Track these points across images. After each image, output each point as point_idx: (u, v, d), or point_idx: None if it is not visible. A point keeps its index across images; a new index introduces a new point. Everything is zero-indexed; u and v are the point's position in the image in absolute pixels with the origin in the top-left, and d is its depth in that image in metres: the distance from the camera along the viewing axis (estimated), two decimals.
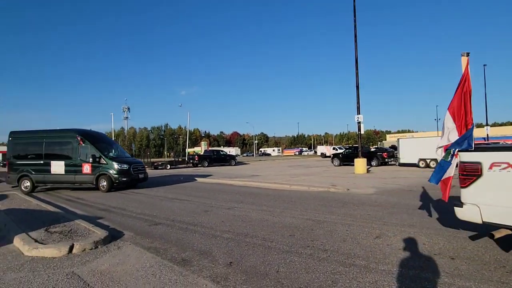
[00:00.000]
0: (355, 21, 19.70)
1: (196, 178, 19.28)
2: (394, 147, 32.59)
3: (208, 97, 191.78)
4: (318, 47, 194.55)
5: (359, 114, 19.58)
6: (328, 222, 6.89)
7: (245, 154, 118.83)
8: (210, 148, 67.30)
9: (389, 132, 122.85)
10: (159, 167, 32.87)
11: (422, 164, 22.73)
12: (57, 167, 14.22)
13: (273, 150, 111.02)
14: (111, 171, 13.70)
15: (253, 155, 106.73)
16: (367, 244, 5.25)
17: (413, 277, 3.86)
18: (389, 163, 26.31)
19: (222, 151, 43.98)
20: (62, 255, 5.13)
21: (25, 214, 8.31)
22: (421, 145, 23.12)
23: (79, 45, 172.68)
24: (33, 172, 14.55)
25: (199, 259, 4.79)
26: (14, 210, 8.94)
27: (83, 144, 14.02)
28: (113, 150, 15.32)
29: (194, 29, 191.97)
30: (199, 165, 34.67)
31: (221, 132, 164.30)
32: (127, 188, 14.73)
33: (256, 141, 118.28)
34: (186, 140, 65.05)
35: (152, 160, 42.20)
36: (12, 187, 15.43)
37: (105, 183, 13.66)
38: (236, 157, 43.97)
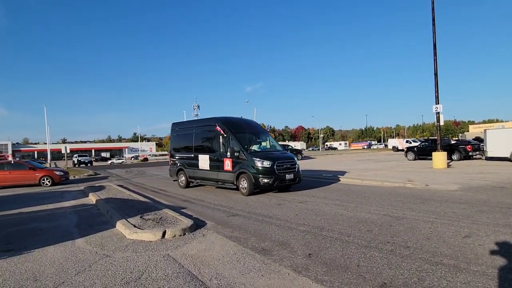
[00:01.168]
0: (433, 2, 18.11)
1: None
2: (479, 139, 29.29)
3: (273, 92, 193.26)
4: (388, 31, 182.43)
5: (438, 104, 18.04)
6: (407, 218, 6.59)
7: (310, 149, 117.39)
8: None
9: (473, 123, 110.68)
10: None
11: None
12: (203, 161, 12.39)
13: (340, 144, 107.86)
14: (251, 170, 10.60)
15: (318, 149, 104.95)
16: (455, 243, 4.92)
17: (510, 281, 3.55)
18: (474, 157, 23.76)
19: (288, 145, 44.11)
20: (157, 239, 5.76)
21: (121, 202, 9.44)
22: None
23: (150, 47, 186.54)
24: (186, 166, 13.27)
25: (279, 249, 4.99)
26: (112, 199, 10.21)
27: (224, 134, 11.49)
28: (259, 142, 12.13)
29: (259, 29, 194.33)
30: None
31: (286, 126, 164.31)
32: (273, 191, 11.36)
33: (322, 135, 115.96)
34: None
35: None
36: (174, 180, 14.76)
37: (245, 185, 10.67)
38: (302, 151, 43.72)
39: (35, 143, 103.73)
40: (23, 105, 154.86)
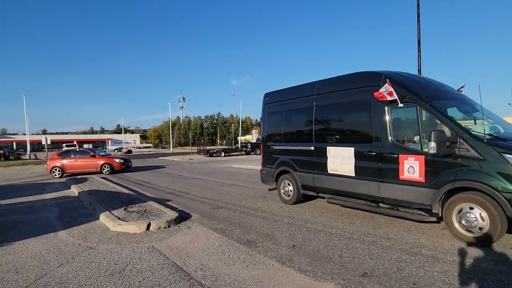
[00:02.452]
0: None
1: (251, 166, 19.76)
2: None
3: (259, 85, 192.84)
4: (378, 23, 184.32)
5: None
6: None
7: None
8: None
9: None
10: (214, 155, 34.16)
11: None
12: (340, 160, 6.42)
13: None
14: (497, 183, 4.29)
15: None
16: (433, 234, 5.10)
17: (486, 270, 3.72)
18: None
19: None
20: (141, 231, 5.73)
21: (104, 195, 9.31)
22: None
23: (133, 37, 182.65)
24: (298, 167, 7.48)
25: (263, 241, 5.05)
26: (95, 191, 10.05)
27: (401, 104, 5.37)
28: (475, 119, 5.58)
29: (247, 22, 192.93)
30: (251, 153, 35.36)
31: None
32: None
33: None
34: (239, 129, 66.50)
35: (207, 148, 43.92)
36: (270, 190, 8.59)
37: (480, 222, 4.50)
38: None
39: (14, 134, 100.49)
40: (0, 95, 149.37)
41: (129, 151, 62.93)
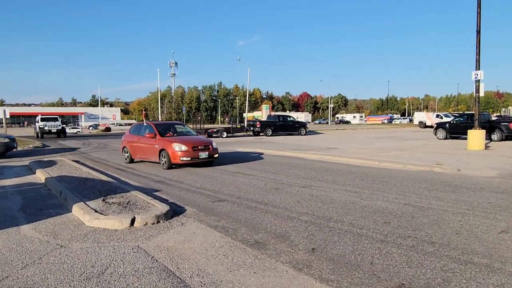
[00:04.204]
0: None
1: (259, 149, 19.84)
2: None
3: (272, 48, 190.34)
4: None
5: (479, 69, 18.07)
6: (434, 209, 6.77)
7: (317, 121, 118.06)
8: (274, 113, 67.94)
9: None
10: (214, 135, 34.31)
11: None
12: None
13: (354, 117, 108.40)
14: None
15: (327, 122, 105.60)
16: (489, 239, 5.11)
17: None
18: None
19: (290, 116, 44.26)
20: (124, 227, 5.85)
21: (78, 182, 9.48)
22: None
23: None
24: None
25: (275, 242, 5.12)
26: (66, 178, 10.24)
27: None
28: None
29: None
30: (261, 134, 35.46)
31: (287, 93, 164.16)
32: None
33: (332, 105, 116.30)
34: (246, 103, 66.37)
35: (205, 126, 44.06)
36: None
37: None
38: (307, 125, 43.94)
39: None
40: None
41: (108, 129, 63.68)
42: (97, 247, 5.02)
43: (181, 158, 12.51)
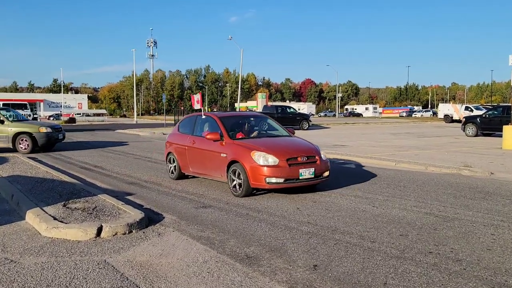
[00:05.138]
0: None
1: None
2: None
3: (270, 27, 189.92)
4: None
5: None
6: (461, 219, 6.78)
7: (323, 113, 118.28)
8: (272, 103, 67.72)
9: None
10: None
11: None
12: None
13: (366, 109, 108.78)
14: None
15: (334, 115, 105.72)
16: None
17: None
18: None
19: (290, 107, 44.22)
20: (89, 238, 5.80)
21: (34, 183, 9.42)
22: None
23: None
24: None
25: (270, 257, 5.09)
26: (19, 178, 10.17)
27: None
28: None
29: None
30: None
31: (288, 79, 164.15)
32: None
33: (340, 94, 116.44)
34: (238, 91, 66.30)
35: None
36: None
37: None
38: (310, 117, 43.96)
39: None
40: None
41: (72, 120, 63.31)
42: (55, 262, 4.95)
43: (267, 180, 8.50)
